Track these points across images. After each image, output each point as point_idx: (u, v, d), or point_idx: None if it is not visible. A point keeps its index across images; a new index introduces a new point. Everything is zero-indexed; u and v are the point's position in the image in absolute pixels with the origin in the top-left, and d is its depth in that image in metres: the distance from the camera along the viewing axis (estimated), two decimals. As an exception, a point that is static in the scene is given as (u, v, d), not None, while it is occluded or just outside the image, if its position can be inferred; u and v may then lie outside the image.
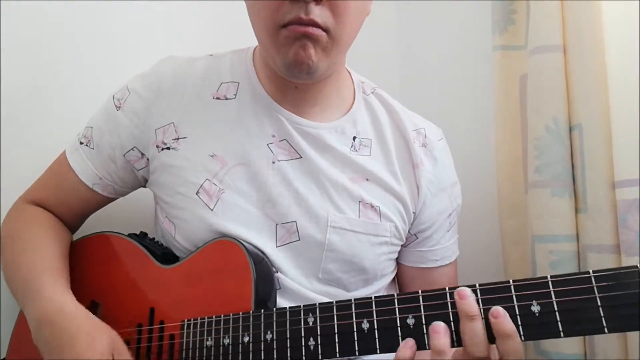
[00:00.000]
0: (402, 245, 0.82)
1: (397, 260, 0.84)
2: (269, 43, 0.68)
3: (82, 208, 0.85)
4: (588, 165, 0.91)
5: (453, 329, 0.55)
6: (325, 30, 0.66)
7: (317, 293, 0.74)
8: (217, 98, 0.78)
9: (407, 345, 0.56)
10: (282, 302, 0.72)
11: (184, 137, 0.77)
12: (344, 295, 0.76)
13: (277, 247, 0.74)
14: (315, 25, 0.64)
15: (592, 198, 0.90)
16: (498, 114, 1.09)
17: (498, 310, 0.53)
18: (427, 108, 0.88)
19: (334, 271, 0.75)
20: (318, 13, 0.64)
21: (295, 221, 0.74)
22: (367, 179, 0.77)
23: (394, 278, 0.86)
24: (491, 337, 0.54)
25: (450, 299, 0.56)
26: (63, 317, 0.66)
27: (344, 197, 0.75)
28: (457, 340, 0.55)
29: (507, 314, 0.53)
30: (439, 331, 0.55)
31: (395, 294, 0.59)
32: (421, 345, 0.56)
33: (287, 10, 0.64)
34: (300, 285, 0.74)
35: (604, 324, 0.50)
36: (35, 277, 0.71)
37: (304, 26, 0.64)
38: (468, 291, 0.55)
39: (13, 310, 0.84)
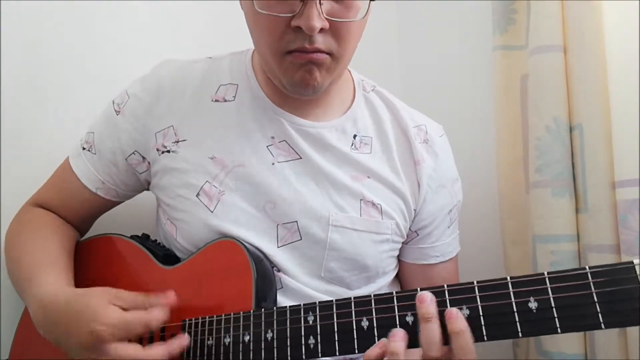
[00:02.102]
0: (402, 243, 0.82)
1: (398, 257, 0.84)
2: (274, 64, 0.69)
3: (86, 212, 0.86)
4: (588, 165, 0.91)
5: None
6: (329, 53, 0.67)
7: (320, 292, 0.74)
8: (216, 100, 0.78)
9: (379, 345, 0.57)
10: (285, 301, 0.72)
11: (184, 140, 0.77)
12: (346, 293, 0.76)
13: (278, 247, 0.74)
14: (320, 51, 0.65)
15: (592, 198, 0.90)
16: (498, 114, 1.09)
17: (451, 311, 0.55)
18: (427, 108, 0.88)
19: (337, 270, 0.75)
20: (322, 40, 0.65)
21: (296, 221, 0.74)
22: (369, 177, 0.77)
23: (396, 275, 0.86)
24: (447, 339, 0.55)
25: (448, 296, 0.56)
26: (55, 305, 0.66)
27: (345, 196, 0.75)
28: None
29: (460, 315, 0.55)
30: (397, 336, 0.56)
31: (394, 292, 0.59)
32: (419, 342, 0.56)
33: (290, 39, 0.65)
34: (302, 285, 0.74)
35: (601, 320, 0.50)
36: (31, 277, 0.71)
37: (309, 54, 0.65)
38: (428, 296, 0.56)
39: (13, 311, 0.84)
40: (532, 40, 0.99)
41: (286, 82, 0.70)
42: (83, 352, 0.62)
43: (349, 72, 0.84)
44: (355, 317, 0.59)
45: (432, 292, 0.57)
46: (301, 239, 0.74)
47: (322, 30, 0.64)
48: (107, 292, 0.65)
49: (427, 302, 0.56)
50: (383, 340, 0.58)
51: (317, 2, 0.62)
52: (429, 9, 1.39)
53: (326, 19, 0.64)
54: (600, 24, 0.89)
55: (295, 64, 0.67)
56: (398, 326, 0.57)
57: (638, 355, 0.80)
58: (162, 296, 0.66)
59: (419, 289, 0.58)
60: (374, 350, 0.57)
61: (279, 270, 0.74)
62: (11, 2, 0.91)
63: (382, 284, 0.81)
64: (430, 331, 0.55)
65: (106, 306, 0.63)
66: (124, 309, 0.64)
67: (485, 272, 1.18)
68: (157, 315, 0.64)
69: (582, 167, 0.92)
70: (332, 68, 0.69)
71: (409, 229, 0.81)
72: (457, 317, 0.54)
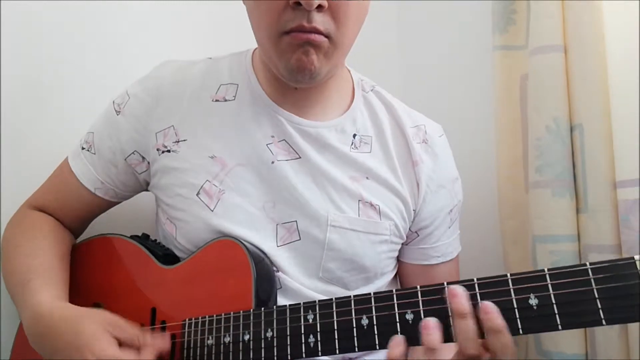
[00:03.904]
0: (403, 244, 0.82)
1: (399, 258, 0.84)
2: (270, 49, 0.69)
3: (84, 212, 0.86)
4: (589, 165, 0.91)
5: (451, 324, 0.55)
6: (327, 36, 0.66)
7: (318, 292, 0.74)
8: (217, 100, 0.78)
9: (396, 343, 0.56)
10: (283, 301, 0.72)
11: (184, 140, 0.77)
12: (345, 294, 0.75)
13: (277, 246, 0.74)
14: (317, 32, 0.65)
15: (593, 198, 0.90)
16: (498, 114, 1.09)
17: (488, 306, 0.53)
18: (427, 108, 0.88)
19: (335, 270, 0.75)
20: (320, 20, 0.65)
21: (295, 221, 0.74)
22: (367, 177, 0.77)
23: (395, 276, 0.86)
24: (482, 333, 0.53)
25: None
26: (49, 320, 0.66)
27: (344, 196, 0.75)
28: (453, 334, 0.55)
29: (498, 310, 0.52)
30: (430, 327, 0.54)
31: (394, 290, 0.59)
32: (418, 341, 0.56)
33: (289, 18, 0.65)
34: (301, 285, 0.74)
35: (602, 316, 0.50)
36: (25, 284, 0.71)
37: (306, 33, 0.65)
38: (460, 289, 0.54)
39: (14, 312, 0.83)
40: (532, 40, 0.99)
41: (283, 67, 0.69)
42: None
43: (349, 71, 0.84)
44: (355, 315, 0.59)
45: (431, 290, 0.57)
46: (300, 239, 0.74)
47: (321, 9, 0.64)
48: (105, 319, 0.65)
49: (458, 296, 0.54)
50: (396, 338, 0.56)
51: None
52: (429, 9, 1.39)
53: None
54: (600, 23, 0.89)
55: (293, 44, 0.66)
56: (398, 324, 0.57)
57: (639, 355, 0.80)
58: (159, 337, 0.66)
59: (418, 287, 0.58)
60: (395, 350, 0.55)
61: (278, 270, 0.74)
62: (11, 2, 0.91)
63: (380, 285, 0.81)
64: (467, 328, 0.53)
65: (102, 335, 0.62)
66: (119, 340, 0.63)
67: (485, 273, 1.16)
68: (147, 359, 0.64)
69: (582, 167, 0.92)
70: (330, 53, 0.68)
71: (409, 229, 0.81)
72: (494, 313, 0.52)
